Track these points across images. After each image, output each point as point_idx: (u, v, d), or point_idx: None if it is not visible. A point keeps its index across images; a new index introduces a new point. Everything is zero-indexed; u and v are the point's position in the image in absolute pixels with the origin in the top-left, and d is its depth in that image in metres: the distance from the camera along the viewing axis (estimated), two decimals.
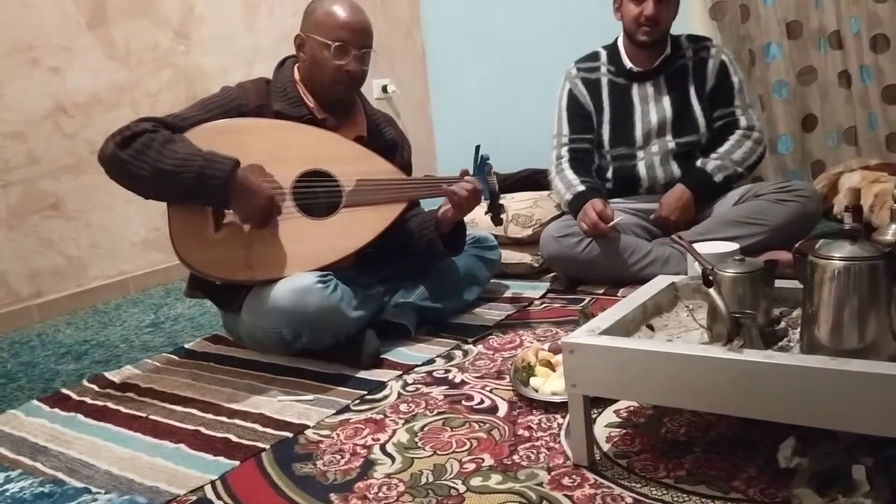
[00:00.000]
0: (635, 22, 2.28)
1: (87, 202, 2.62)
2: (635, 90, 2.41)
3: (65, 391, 1.80)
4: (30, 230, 2.49)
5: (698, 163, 2.34)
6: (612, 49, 2.46)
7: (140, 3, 2.77)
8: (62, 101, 2.56)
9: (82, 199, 2.61)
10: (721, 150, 2.34)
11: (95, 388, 1.81)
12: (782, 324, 1.27)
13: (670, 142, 2.37)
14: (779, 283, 1.34)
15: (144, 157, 1.62)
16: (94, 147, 1.71)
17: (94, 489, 1.31)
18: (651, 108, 2.38)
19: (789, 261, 1.90)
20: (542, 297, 2.25)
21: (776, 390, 1.04)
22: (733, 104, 2.38)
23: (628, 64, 2.40)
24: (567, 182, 2.39)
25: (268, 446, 1.42)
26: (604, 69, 2.45)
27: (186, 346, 2.08)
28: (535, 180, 3.01)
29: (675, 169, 2.37)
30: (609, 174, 2.45)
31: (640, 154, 2.40)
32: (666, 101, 2.38)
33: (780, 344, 1.22)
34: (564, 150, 2.46)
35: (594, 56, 2.49)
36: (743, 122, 2.37)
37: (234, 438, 1.47)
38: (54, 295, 2.54)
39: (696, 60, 2.39)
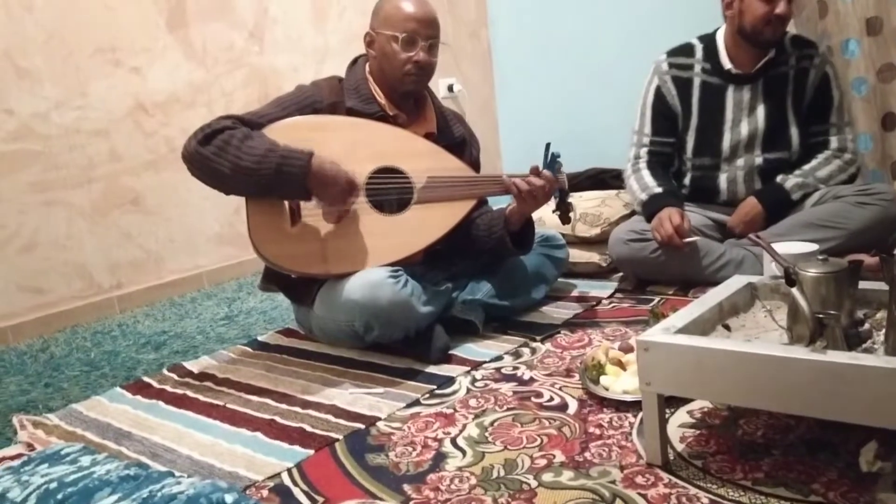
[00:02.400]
0: (762, 20, 2.12)
1: (165, 198, 2.71)
2: (730, 93, 2.27)
3: (146, 379, 1.87)
4: (111, 224, 2.59)
5: (778, 178, 2.23)
6: (709, 44, 2.31)
7: (217, 4, 2.85)
8: (142, 100, 2.65)
9: (160, 194, 2.70)
10: (806, 167, 2.23)
11: (175, 376, 1.88)
12: (866, 325, 1.23)
13: (758, 157, 2.26)
14: (862, 284, 1.30)
15: (225, 154, 1.67)
16: (173, 145, 1.77)
17: (177, 473, 1.35)
18: (743, 117, 2.26)
19: (871, 264, 1.84)
20: (611, 296, 2.23)
21: (861, 392, 1.01)
22: (828, 121, 2.26)
23: (727, 64, 2.26)
24: (643, 184, 2.32)
25: (341, 437, 1.45)
26: (698, 67, 2.31)
27: (260, 338, 2.13)
28: (601, 180, 2.99)
29: (759, 186, 2.27)
30: (687, 181, 2.36)
31: (724, 167, 2.30)
32: (760, 110, 2.25)
33: (864, 346, 1.19)
34: (643, 151, 2.38)
35: (688, 50, 2.34)
36: (834, 143, 2.25)
37: (308, 428, 1.50)
38: (134, 287, 2.63)
39: (797, 69, 2.25)
